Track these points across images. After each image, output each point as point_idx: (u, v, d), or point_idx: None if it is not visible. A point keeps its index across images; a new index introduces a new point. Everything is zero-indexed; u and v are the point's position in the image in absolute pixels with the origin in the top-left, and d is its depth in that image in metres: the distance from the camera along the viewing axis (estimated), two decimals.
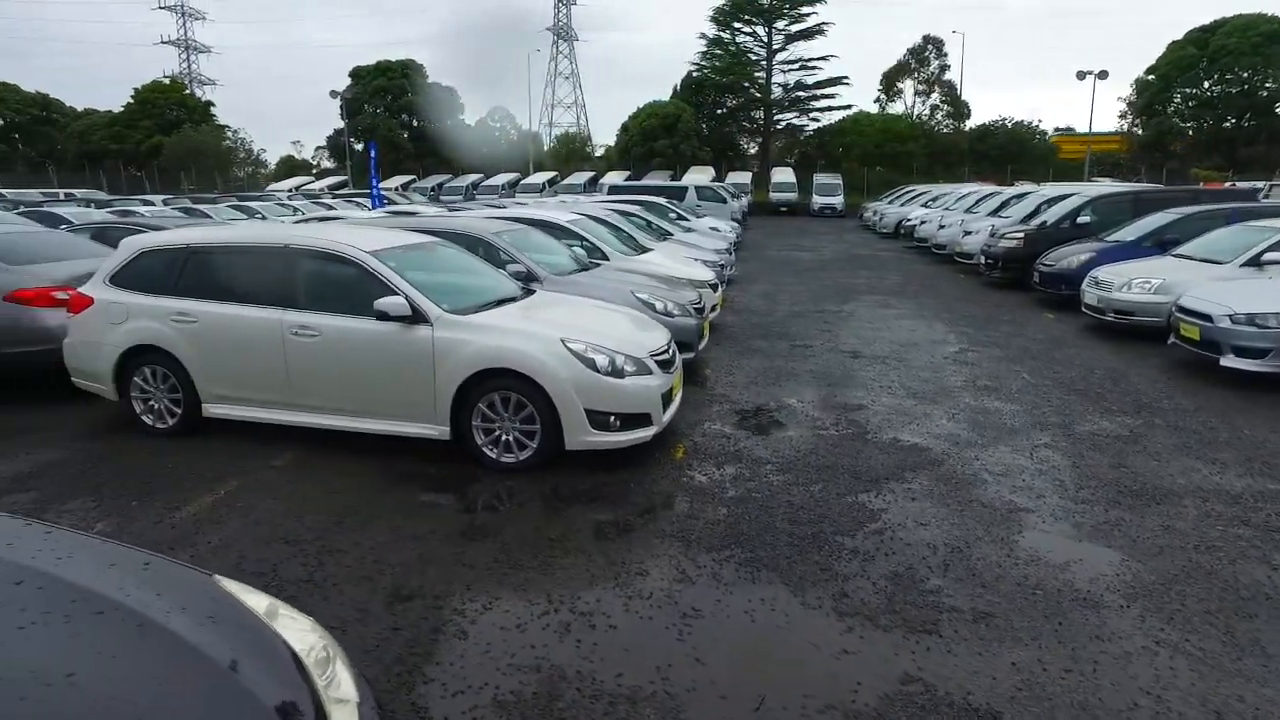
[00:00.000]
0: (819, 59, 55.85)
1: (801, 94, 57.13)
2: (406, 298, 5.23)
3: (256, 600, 2.02)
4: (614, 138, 59.51)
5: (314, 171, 60.84)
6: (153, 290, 5.90)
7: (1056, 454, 5.65)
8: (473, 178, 46.80)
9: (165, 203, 26.59)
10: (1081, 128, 53.10)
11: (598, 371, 5.09)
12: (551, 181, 44.21)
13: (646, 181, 36.08)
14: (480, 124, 70.25)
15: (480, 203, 25.70)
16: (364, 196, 30.75)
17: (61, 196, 32.18)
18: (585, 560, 4.07)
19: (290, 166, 64.76)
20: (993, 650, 3.27)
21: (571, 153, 63.11)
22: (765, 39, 56.51)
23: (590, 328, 5.53)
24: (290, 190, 39.99)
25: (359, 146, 53.45)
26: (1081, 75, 38.37)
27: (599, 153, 66.93)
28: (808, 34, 55.65)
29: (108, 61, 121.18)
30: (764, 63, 56.81)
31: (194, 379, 5.77)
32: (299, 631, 1.97)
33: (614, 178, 40.60)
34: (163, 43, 72.51)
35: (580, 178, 44.45)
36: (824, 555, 4.13)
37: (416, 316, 5.22)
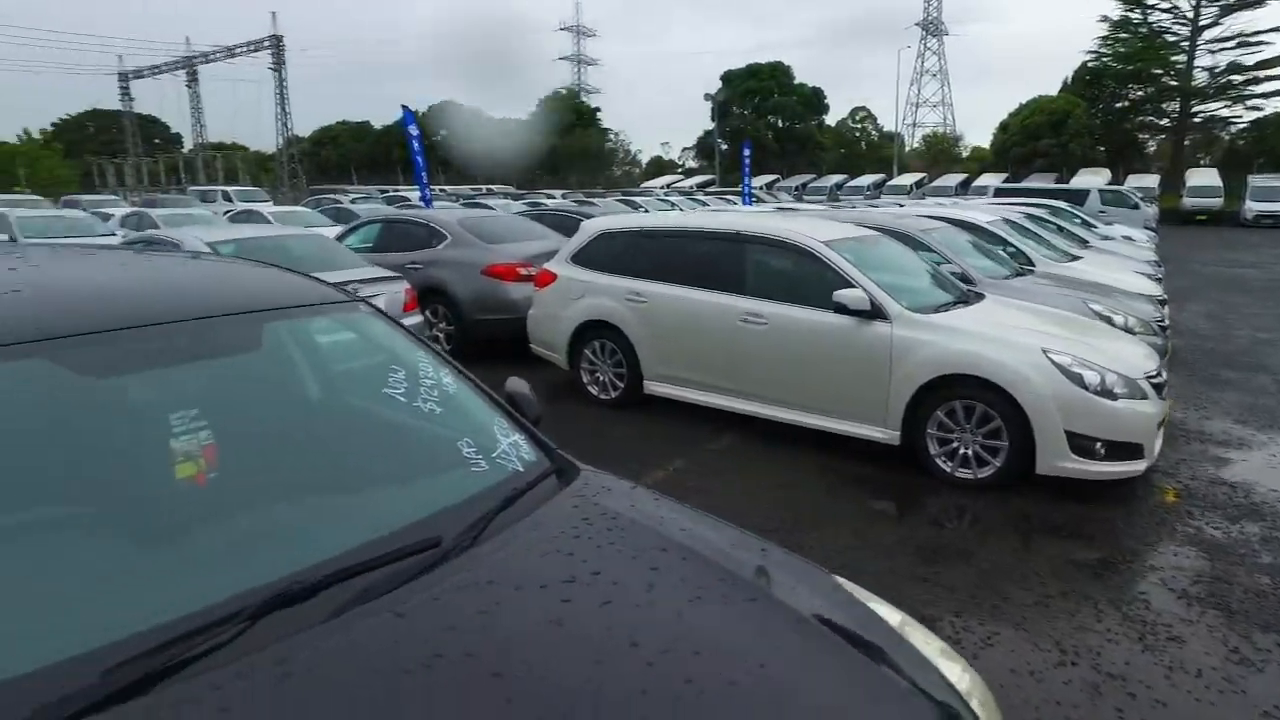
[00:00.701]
0: (1269, 30, 44.39)
1: (1236, 78, 46.82)
2: (866, 291, 4.97)
3: (886, 611, 1.81)
4: (984, 137, 55.11)
5: (680, 170, 64.61)
6: (609, 270, 6.33)
7: None
8: (836, 178, 46.22)
9: (564, 197, 29.82)
10: None
11: (1085, 389, 4.39)
12: (919, 183, 42.04)
13: (1032, 184, 32.62)
14: (841, 124, 69.48)
15: (846, 204, 25.11)
16: (733, 194, 31.71)
17: (484, 191, 37.63)
18: (1090, 607, 3.46)
19: (659, 166, 69.53)
20: None
21: (939, 153, 59.70)
22: (1190, 14, 47.08)
23: (1070, 338, 4.83)
24: (664, 187, 42.76)
25: (724, 147, 55.68)
26: None
27: (965, 153, 62.62)
28: (1251, 1, 45.02)
29: (523, 77, 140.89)
30: (1185, 43, 47.73)
31: (640, 356, 6.08)
32: (935, 655, 1.72)
33: (989, 180, 37.51)
34: (560, 59, 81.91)
35: (951, 179, 41.68)
36: None
37: (875, 312, 4.94)
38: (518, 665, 1.36)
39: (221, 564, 1.61)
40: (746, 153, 28.98)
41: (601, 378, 6.42)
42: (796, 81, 63.14)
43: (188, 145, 66.90)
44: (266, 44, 53.21)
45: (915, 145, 67.76)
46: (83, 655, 1.26)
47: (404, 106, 18.61)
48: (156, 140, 70.81)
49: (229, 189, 34.36)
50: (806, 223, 6.04)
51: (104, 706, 1.19)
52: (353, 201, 24.72)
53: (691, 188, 41.69)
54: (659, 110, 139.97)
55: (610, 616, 1.54)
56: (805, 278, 5.31)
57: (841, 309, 4.97)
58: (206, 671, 1.28)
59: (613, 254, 6.38)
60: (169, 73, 58.17)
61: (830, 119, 67.12)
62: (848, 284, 5.06)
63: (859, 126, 71.39)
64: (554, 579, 1.63)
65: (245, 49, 53.74)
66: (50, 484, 1.65)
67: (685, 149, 73.34)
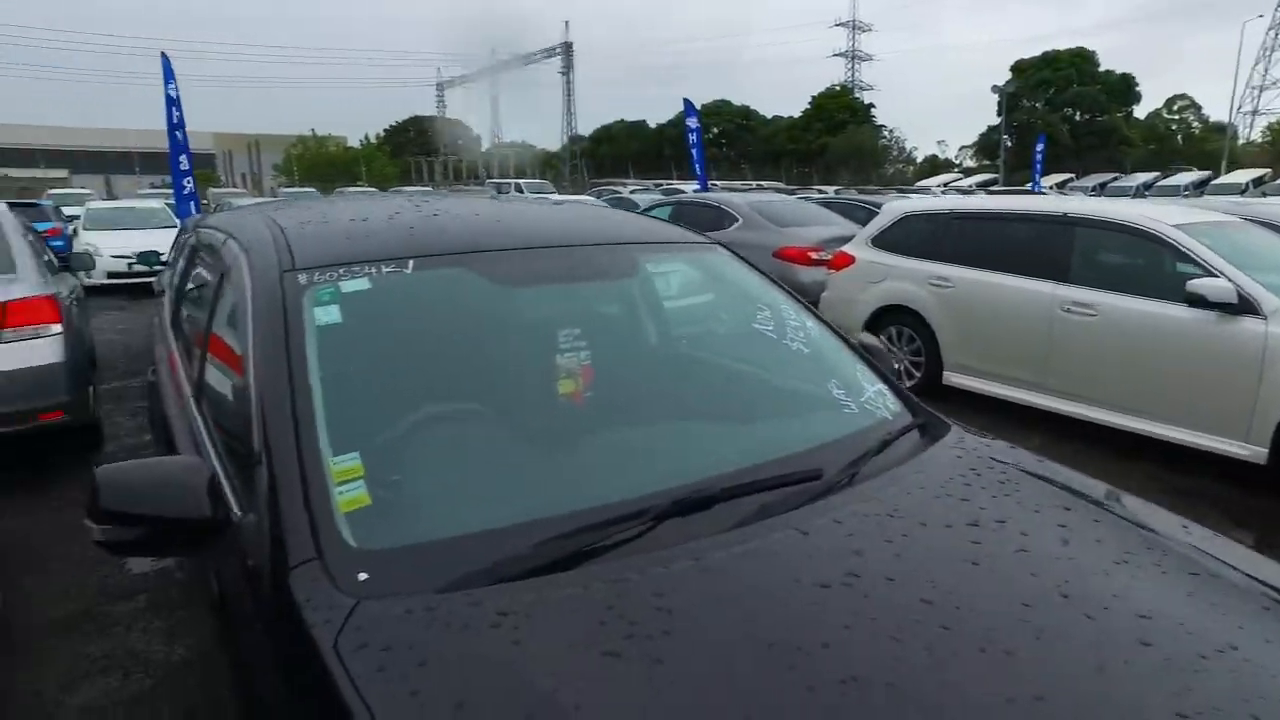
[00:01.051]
0: None
1: None
2: (1232, 282, 4.30)
3: None
4: None
5: (957, 169, 60.69)
6: (911, 253, 6.05)
7: None
8: (1144, 177, 40.63)
9: (836, 193, 29.18)
10: None
11: None
12: (1258, 181, 35.74)
13: None
14: (1153, 116, 61.45)
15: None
16: (1017, 193, 29.19)
17: (755, 187, 37.95)
18: None
19: (933, 164, 65.85)
20: None
21: None
22: None
23: None
24: (940, 185, 40.34)
25: (1009, 144, 51.38)
26: None
27: None
28: None
29: (798, 75, 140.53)
30: None
31: (940, 344, 5.76)
32: None
33: None
34: (834, 56, 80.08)
35: None
36: None
37: (1243, 305, 4.26)
38: (945, 595, 1.29)
39: (616, 471, 1.71)
40: (1040, 148, 26.64)
41: (897, 366, 6.14)
42: (1101, 69, 56.79)
43: (485, 145, 74.43)
44: (558, 50, 57.65)
45: (1255, 138, 58.03)
46: (516, 527, 1.38)
47: (685, 100, 19.25)
48: (460, 141, 79.50)
49: (520, 181, 37.71)
50: (1150, 206, 5.36)
51: (543, 572, 1.29)
52: (631, 193, 26.04)
53: (971, 187, 38.82)
54: (936, 107, 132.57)
55: (1029, 564, 1.43)
56: (1148, 265, 4.74)
57: (1198, 301, 4.35)
58: (627, 557, 1.35)
59: (917, 237, 6.10)
60: (475, 80, 65.13)
61: (1139, 111, 59.72)
62: (1207, 273, 4.41)
63: (1176, 118, 62.66)
64: (957, 521, 1.55)
65: (540, 55, 58.72)
66: (470, 375, 1.87)
67: (963, 147, 68.94)
